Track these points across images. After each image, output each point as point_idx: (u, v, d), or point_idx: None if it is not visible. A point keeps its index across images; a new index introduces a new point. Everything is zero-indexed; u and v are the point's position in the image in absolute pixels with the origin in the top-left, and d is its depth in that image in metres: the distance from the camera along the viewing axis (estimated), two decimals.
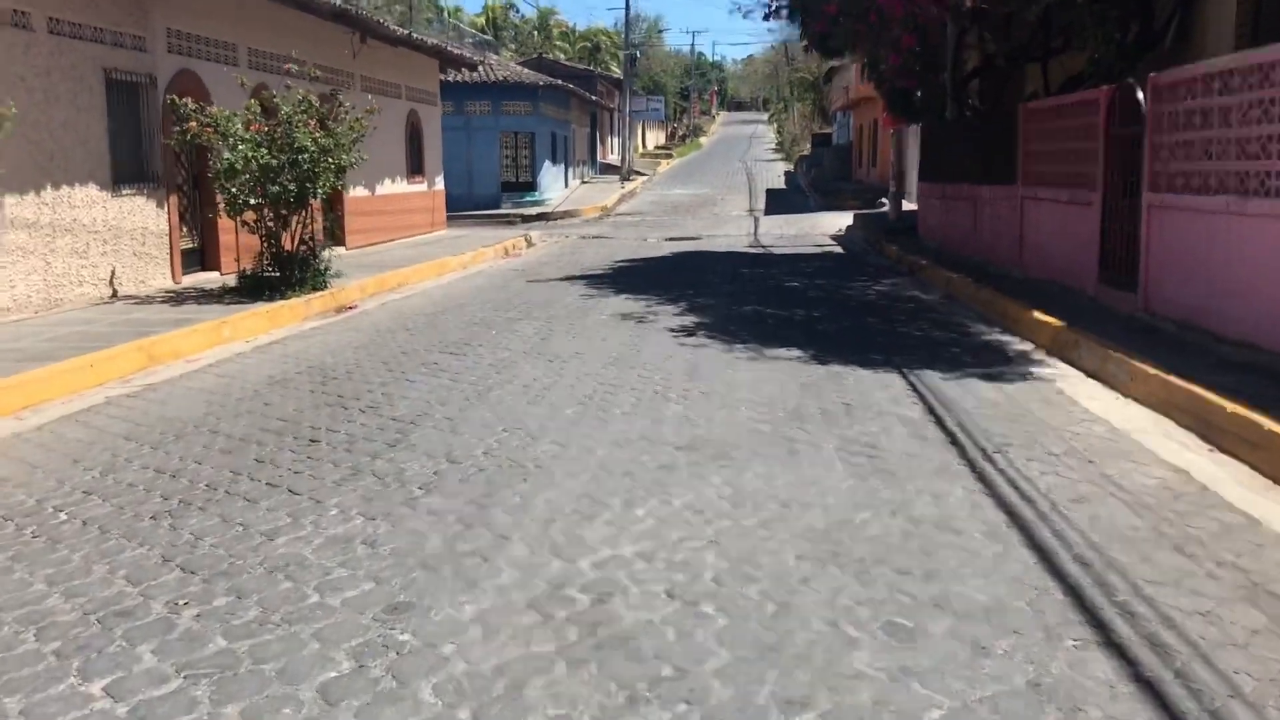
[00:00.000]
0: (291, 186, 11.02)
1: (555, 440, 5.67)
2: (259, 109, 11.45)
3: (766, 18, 17.02)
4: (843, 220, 25.31)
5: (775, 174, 48.28)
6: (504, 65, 34.66)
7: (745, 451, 5.41)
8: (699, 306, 11.28)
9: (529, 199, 32.50)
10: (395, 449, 5.60)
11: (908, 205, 22.46)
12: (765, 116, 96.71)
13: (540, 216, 30.08)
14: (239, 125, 10.98)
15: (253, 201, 11.08)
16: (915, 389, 6.87)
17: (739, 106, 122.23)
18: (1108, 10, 10.96)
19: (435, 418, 6.24)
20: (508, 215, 30.08)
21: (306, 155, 11.01)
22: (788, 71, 72.77)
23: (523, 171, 33.02)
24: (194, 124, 10.84)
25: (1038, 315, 9.10)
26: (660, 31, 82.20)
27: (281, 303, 10.80)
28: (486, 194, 32.06)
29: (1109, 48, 10.89)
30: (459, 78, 31.07)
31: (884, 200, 28.82)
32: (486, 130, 32.15)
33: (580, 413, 6.32)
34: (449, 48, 20.54)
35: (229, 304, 10.70)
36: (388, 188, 19.55)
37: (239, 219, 11.36)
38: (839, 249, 19.63)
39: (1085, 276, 10.11)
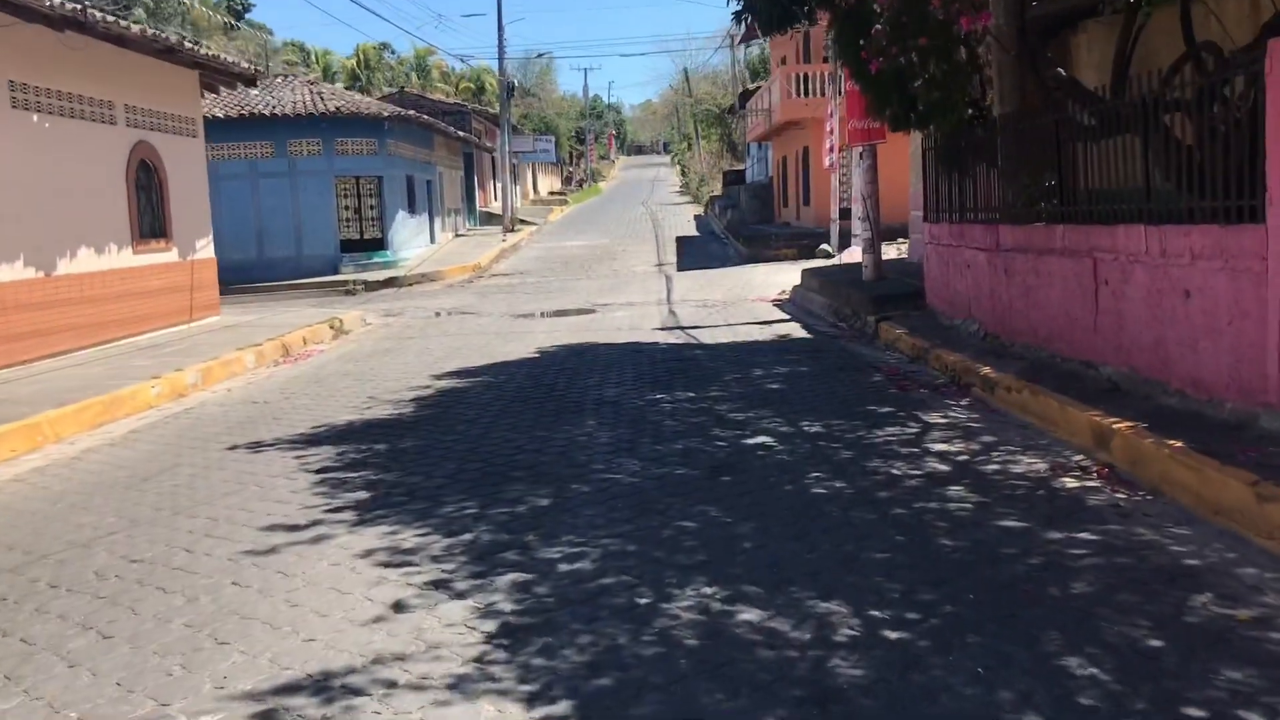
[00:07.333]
0: None
1: None
2: None
3: None
4: (783, 276, 18.81)
5: (684, 219, 41.79)
6: (338, 94, 27.46)
7: None
8: (555, 594, 4.27)
9: (377, 259, 25.31)
10: None
11: (888, 253, 15.91)
12: (667, 159, 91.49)
13: (389, 282, 23.29)
14: None
15: None
16: None
17: (639, 150, 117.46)
18: None
19: None
20: (346, 283, 23.16)
21: None
22: (690, 104, 66.97)
23: (369, 226, 25.78)
24: None
25: None
26: (541, 55, 74.62)
27: None
28: (320, 256, 24.80)
29: None
30: (278, 109, 23.90)
31: (826, 247, 22.43)
32: (317, 175, 24.92)
33: None
34: (189, 42, 13.28)
35: None
36: (84, 263, 12.17)
37: None
38: (798, 328, 12.89)
39: None
